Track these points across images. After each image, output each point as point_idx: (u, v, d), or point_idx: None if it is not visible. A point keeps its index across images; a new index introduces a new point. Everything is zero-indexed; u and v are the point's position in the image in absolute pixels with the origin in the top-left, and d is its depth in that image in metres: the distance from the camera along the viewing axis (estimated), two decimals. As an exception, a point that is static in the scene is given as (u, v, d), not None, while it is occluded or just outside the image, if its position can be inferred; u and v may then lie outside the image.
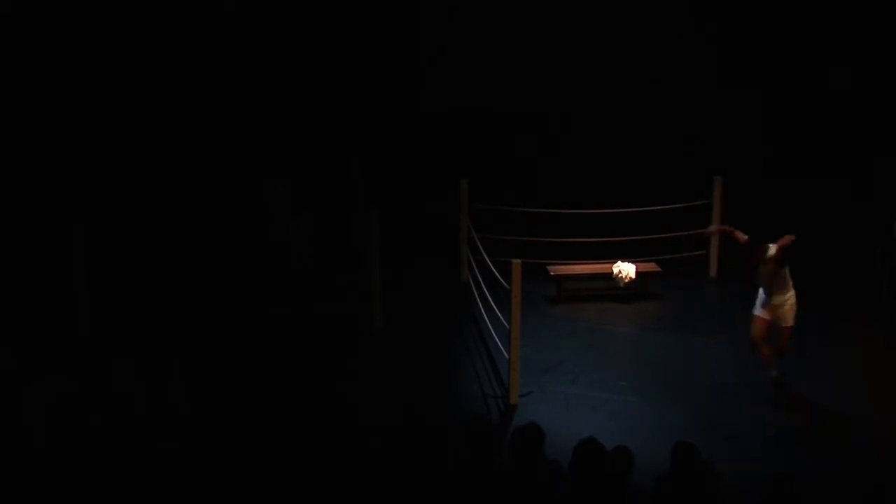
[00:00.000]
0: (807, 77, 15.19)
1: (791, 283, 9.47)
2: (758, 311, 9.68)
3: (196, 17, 16.33)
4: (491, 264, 11.14)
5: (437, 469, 5.94)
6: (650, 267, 12.72)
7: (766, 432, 9.10)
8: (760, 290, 9.68)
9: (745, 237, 9.58)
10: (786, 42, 15.32)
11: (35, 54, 15.91)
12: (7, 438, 6.62)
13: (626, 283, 12.49)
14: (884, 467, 8.43)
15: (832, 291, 9.61)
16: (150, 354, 10.76)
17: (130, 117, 16.43)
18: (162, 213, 15.23)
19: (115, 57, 16.13)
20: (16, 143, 15.34)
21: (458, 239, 13.07)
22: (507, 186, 14.40)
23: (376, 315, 11.66)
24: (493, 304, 10.80)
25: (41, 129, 15.73)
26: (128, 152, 16.05)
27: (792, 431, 9.10)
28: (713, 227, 11.30)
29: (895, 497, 7.70)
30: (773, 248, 9.31)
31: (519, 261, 9.54)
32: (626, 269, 12.47)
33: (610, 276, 12.55)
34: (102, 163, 15.80)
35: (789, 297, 9.44)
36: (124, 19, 16.14)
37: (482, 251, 11.69)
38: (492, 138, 16.43)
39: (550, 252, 12.76)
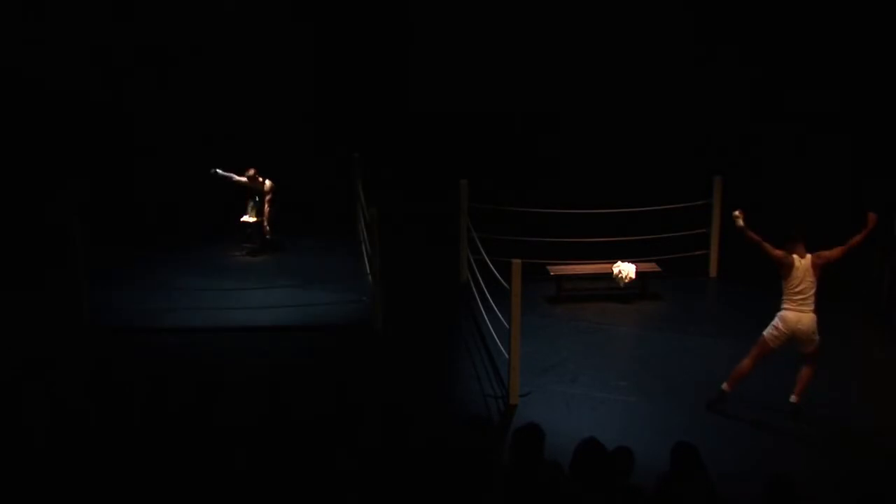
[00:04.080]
0: (804, 75, 15.22)
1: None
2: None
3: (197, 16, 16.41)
4: (491, 264, 11.14)
5: (436, 469, 5.93)
6: (650, 267, 12.71)
7: (765, 432, 9.11)
8: (790, 308, 9.15)
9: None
10: (786, 41, 15.35)
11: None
12: (7, 438, 6.62)
13: (626, 283, 12.48)
14: (883, 467, 8.43)
15: (831, 291, 9.57)
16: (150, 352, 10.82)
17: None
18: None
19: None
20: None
21: (458, 239, 13.07)
22: (506, 186, 14.40)
23: (376, 315, 11.66)
24: (493, 304, 10.80)
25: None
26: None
27: (791, 431, 9.11)
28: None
29: (895, 498, 7.69)
30: (834, 251, 9.04)
31: (519, 261, 9.54)
32: (626, 269, 12.45)
33: (610, 276, 12.54)
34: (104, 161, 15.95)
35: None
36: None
37: (482, 251, 11.69)
38: (492, 138, 16.46)
39: (550, 252, 12.76)
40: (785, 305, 9.19)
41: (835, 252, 9.11)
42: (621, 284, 12.51)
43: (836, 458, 8.67)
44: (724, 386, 9.45)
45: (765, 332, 9.30)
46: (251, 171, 14.23)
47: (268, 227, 14.45)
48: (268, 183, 14.30)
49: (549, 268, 12.66)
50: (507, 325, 9.86)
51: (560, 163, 16.00)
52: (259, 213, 14.45)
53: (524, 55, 16.21)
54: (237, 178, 14.17)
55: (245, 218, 14.51)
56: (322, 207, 15.70)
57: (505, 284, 9.99)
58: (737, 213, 9.25)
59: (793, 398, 9.33)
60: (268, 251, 14.54)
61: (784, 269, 9.13)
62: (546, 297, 12.54)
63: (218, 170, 14.10)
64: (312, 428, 6.70)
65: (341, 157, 15.46)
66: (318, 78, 17.34)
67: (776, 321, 9.23)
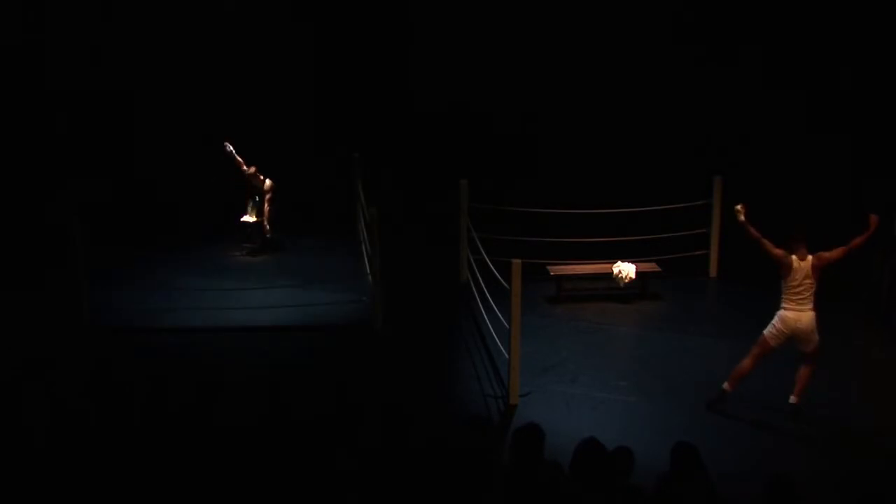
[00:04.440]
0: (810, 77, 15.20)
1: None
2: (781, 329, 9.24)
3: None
4: (491, 264, 11.14)
5: (436, 469, 5.94)
6: (650, 267, 12.71)
7: (765, 432, 9.11)
8: (789, 308, 9.14)
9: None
10: (786, 42, 15.34)
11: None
12: (7, 438, 6.63)
13: (626, 283, 12.47)
14: (884, 467, 8.43)
15: (831, 292, 9.57)
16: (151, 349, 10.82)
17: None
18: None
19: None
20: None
21: (458, 239, 13.06)
22: (507, 186, 14.39)
23: (376, 315, 11.66)
24: (493, 304, 10.79)
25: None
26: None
27: (791, 431, 9.11)
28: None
29: (895, 498, 7.70)
30: (835, 252, 9.02)
31: (519, 261, 9.54)
32: (626, 270, 12.45)
33: (610, 276, 12.53)
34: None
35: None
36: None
37: (482, 251, 11.69)
38: (492, 138, 16.45)
39: (550, 252, 12.76)
40: (784, 305, 9.18)
41: (835, 253, 9.09)
42: (621, 284, 12.51)
43: (836, 458, 8.67)
44: (725, 385, 9.46)
45: (765, 332, 9.30)
46: (252, 169, 14.23)
47: (268, 227, 14.45)
48: (268, 182, 14.30)
49: (549, 268, 12.65)
50: (507, 325, 9.86)
51: (559, 162, 15.99)
52: (259, 213, 14.45)
53: (524, 55, 16.20)
54: (244, 167, 14.15)
55: (245, 218, 14.51)
56: (322, 207, 15.69)
57: (505, 284, 9.99)
58: (738, 207, 9.23)
59: (792, 398, 9.33)
60: (268, 251, 14.54)
61: (783, 269, 9.12)
62: (546, 297, 12.53)
63: (230, 146, 14.09)
64: (312, 428, 6.70)
65: (341, 157, 15.45)
66: (317, 78, 17.34)
67: (776, 321, 9.23)
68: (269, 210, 14.35)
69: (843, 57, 14.99)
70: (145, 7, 16.43)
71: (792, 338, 9.21)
